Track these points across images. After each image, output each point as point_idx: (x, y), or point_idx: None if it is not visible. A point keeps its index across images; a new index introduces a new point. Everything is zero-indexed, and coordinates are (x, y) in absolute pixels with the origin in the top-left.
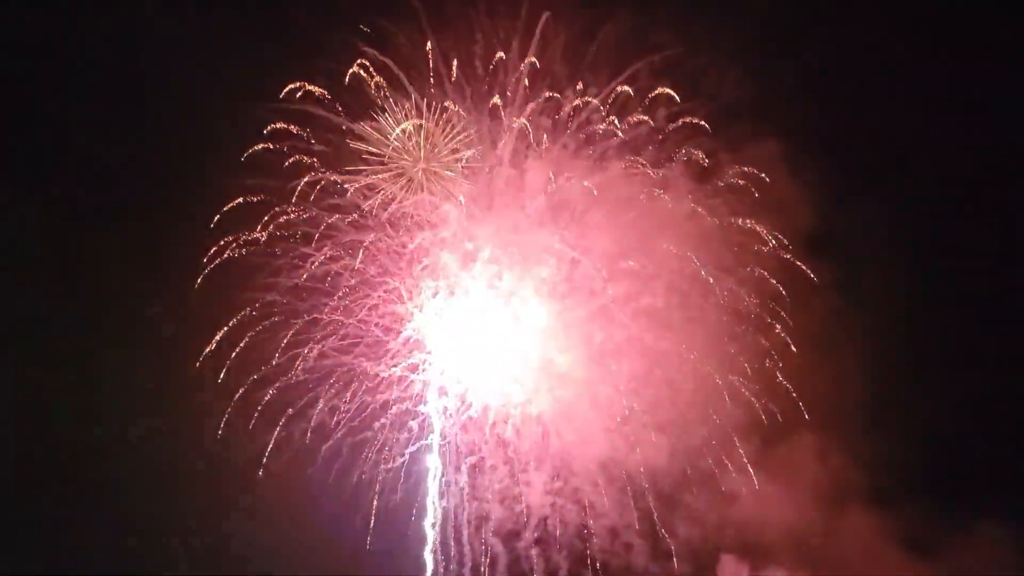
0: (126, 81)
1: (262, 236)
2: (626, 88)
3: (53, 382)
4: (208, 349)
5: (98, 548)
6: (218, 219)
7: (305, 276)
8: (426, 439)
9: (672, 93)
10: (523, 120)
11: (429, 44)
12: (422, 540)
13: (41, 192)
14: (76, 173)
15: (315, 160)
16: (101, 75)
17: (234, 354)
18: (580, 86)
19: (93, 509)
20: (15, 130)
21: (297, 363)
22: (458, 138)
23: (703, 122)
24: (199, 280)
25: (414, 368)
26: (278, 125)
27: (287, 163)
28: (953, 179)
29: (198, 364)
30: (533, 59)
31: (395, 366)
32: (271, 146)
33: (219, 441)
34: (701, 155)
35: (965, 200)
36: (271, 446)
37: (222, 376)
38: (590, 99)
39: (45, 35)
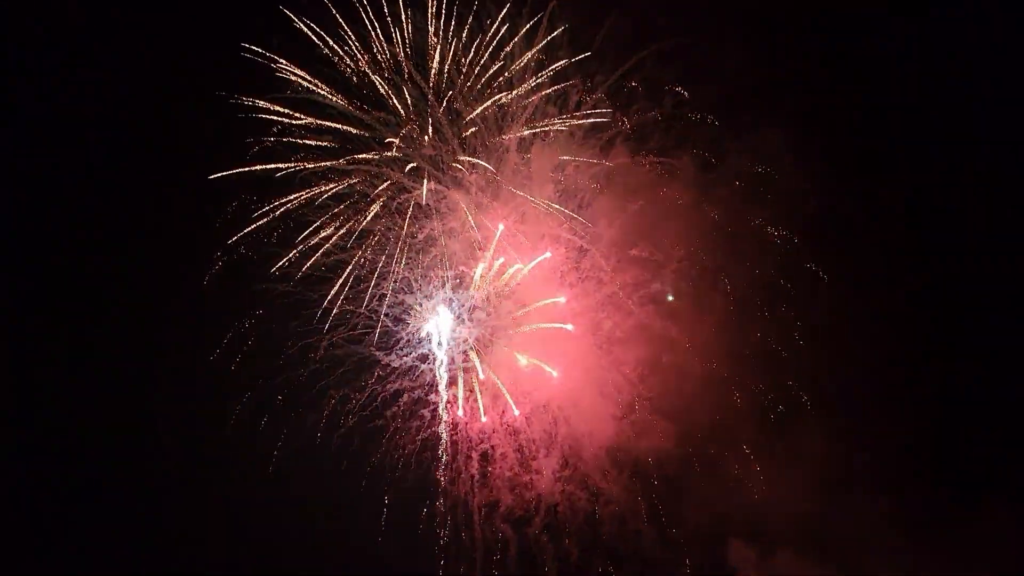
0: (129, 77)
1: (272, 236)
2: (634, 76)
3: (60, 379)
4: (224, 341)
5: (109, 543)
6: (227, 212)
7: (315, 267)
8: (437, 427)
9: (684, 93)
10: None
11: (434, 33)
12: (433, 526)
13: (46, 188)
14: (81, 171)
15: (322, 154)
16: (105, 71)
17: (242, 349)
18: (587, 75)
19: (107, 504)
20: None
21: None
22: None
23: (709, 112)
24: (209, 274)
25: (424, 358)
26: (284, 118)
27: (295, 156)
28: (959, 170)
29: (212, 357)
30: (539, 49)
31: (405, 356)
32: (279, 139)
33: (231, 432)
34: (708, 156)
35: (970, 189)
36: (283, 435)
37: (233, 367)
38: (596, 87)
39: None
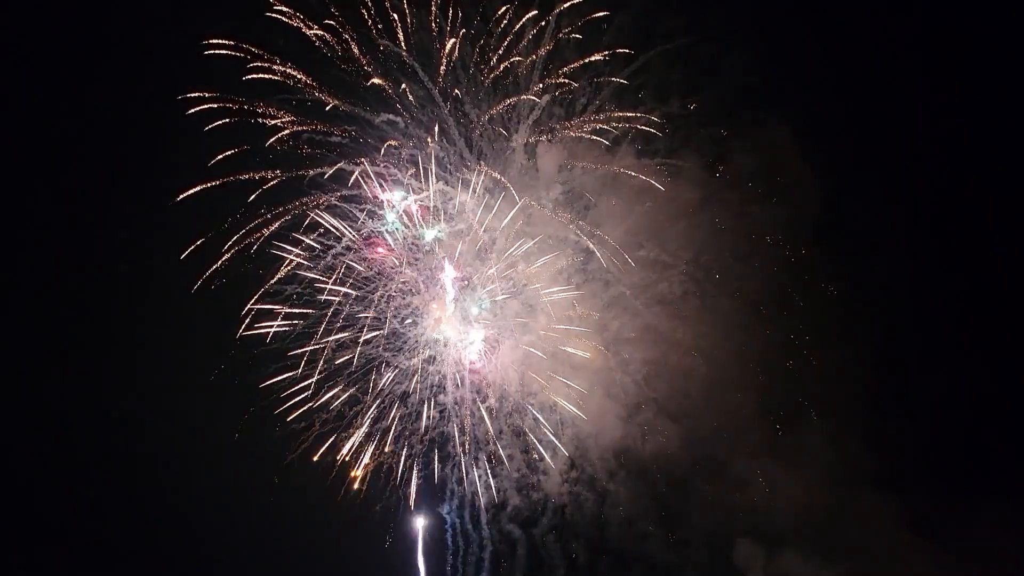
0: (141, 79)
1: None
2: (640, 77)
3: (68, 383)
4: (235, 344)
5: (122, 550)
6: (239, 211)
7: (323, 268)
8: (445, 428)
9: (689, 106)
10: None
11: (438, 33)
12: (441, 526)
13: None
14: (91, 172)
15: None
16: (113, 77)
17: (252, 351)
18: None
19: (120, 508)
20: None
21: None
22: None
23: (715, 113)
24: (219, 270)
25: (432, 359)
26: (291, 124)
27: (305, 155)
28: (965, 170)
29: (224, 366)
30: (546, 50)
31: (413, 357)
32: (289, 141)
33: (241, 433)
34: (714, 158)
35: (975, 190)
36: (292, 436)
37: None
38: (602, 88)
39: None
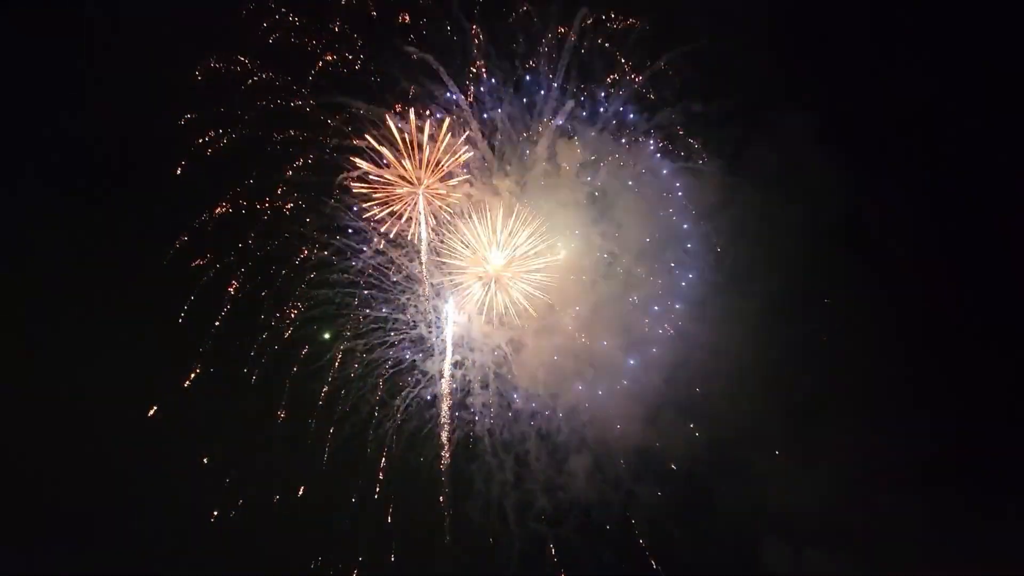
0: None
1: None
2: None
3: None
4: (265, 349)
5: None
6: (264, 215)
7: (350, 272)
8: (474, 427)
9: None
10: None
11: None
12: (469, 526)
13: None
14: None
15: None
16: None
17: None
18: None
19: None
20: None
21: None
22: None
23: (735, 113)
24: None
25: (458, 363)
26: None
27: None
28: (990, 169)
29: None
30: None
31: (442, 360)
32: (320, 139)
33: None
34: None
35: (1000, 190)
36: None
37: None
38: (623, 89)
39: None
